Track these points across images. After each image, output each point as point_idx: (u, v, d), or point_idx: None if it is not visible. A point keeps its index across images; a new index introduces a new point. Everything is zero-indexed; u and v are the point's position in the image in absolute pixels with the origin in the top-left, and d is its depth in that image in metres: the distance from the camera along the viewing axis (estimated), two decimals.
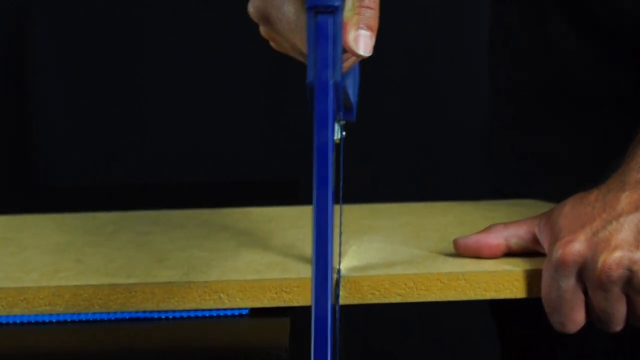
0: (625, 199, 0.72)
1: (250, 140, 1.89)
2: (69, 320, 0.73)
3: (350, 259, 0.78)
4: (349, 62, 0.73)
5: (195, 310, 0.74)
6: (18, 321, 0.73)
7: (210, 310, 0.74)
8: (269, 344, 0.71)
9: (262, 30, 0.74)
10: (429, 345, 1.93)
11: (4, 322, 0.73)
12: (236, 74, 1.87)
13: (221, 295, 0.74)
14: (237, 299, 0.74)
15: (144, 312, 0.74)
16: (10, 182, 1.90)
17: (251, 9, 0.73)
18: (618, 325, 0.72)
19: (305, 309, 0.74)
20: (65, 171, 1.89)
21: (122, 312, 0.74)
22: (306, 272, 0.75)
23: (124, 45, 1.87)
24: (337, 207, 0.81)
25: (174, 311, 0.74)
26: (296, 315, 0.75)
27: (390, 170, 1.84)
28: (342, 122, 0.74)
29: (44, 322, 0.73)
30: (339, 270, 0.75)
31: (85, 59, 1.87)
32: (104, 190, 1.20)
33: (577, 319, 0.72)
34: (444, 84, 1.87)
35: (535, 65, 0.98)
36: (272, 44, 0.75)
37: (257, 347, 0.70)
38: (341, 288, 0.74)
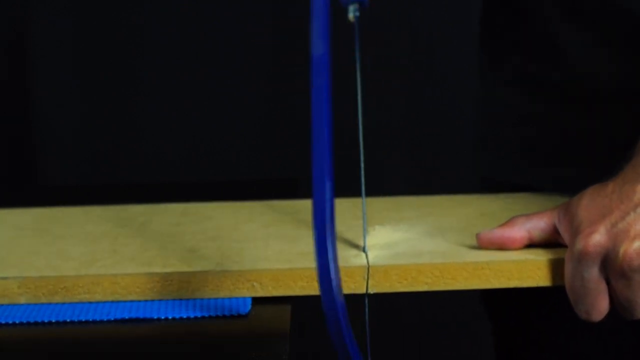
0: None
1: (249, 139, 1.90)
2: (68, 320, 0.74)
3: (377, 250, 0.80)
4: None
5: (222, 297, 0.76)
6: (17, 321, 0.74)
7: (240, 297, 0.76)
8: (270, 331, 0.72)
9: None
10: (424, 338, 1.95)
11: (3, 322, 0.74)
12: (236, 73, 1.88)
13: (254, 283, 0.76)
14: (270, 288, 0.76)
15: (180, 299, 0.77)
16: (10, 182, 1.91)
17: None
18: None
19: (307, 302, 0.76)
20: (65, 171, 1.90)
21: (126, 313, 0.75)
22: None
23: (124, 46, 1.88)
24: (358, 200, 0.84)
25: (173, 310, 0.75)
26: (297, 302, 0.77)
27: (383, 163, 1.85)
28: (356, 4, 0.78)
29: (43, 322, 0.74)
30: (367, 260, 0.78)
31: (86, 58, 1.88)
32: (103, 190, 1.22)
33: (601, 307, 0.74)
34: (436, 74, 1.89)
35: (529, 57, 0.99)
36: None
37: (259, 334, 0.72)
38: (370, 277, 0.76)
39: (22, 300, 0.76)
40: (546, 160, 0.99)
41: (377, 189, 0.91)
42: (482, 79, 1.07)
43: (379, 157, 1.82)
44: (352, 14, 0.77)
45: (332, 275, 0.66)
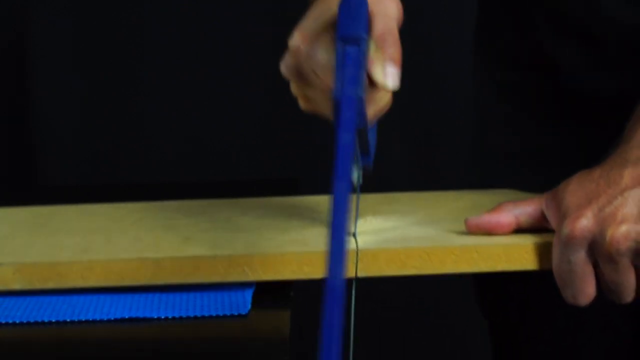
0: (628, 175, 0.75)
1: (249, 139, 1.91)
2: (68, 320, 0.74)
3: (367, 236, 0.81)
4: (378, 108, 0.77)
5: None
6: (17, 321, 0.75)
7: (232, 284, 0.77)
8: (270, 331, 0.73)
9: (294, 87, 0.78)
10: (418, 333, 1.96)
11: (3, 322, 0.75)
12: (236, 73, 1.89)
13: (245, 268, 0.77)
14: (260, 272, 0.77)
15: (173, 284, 0.77)
16: (10, 182, 1.92)
17: (283, 67, 0.77)
18: (629, 295, 0.75)
19: (307, 302, 0.77)
20: (65, 171, 1.90)
21: (126, 313, 0.75)
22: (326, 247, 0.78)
23: (124, 45, 1.88)
24: (353, 196, 0.84)
25: (173, 310, 0.76)
26: (297, 308, 0.78)
27: (381, 162, 1.85)
28: (360, 168, 0.80)
29: (43, 322, 0.74)
30: (356, 244, 0.79)
31: (86, 58, 1.88)
32: (103, 190, 1.23)
33: (588, 291, 0.75)
34: (435, 75, 1.89)
35: (522, 66, 1.01)
36: (301, 102, 0.79)
37: (259, 334, 0.72)
38: (359, 261, 0.77)
39: (17, 286, 0.77)
40: (539, 168, 1.01)
41: (373, 188, 0.92)
42: (476, 87, 1.08)
43: (376, 157, 1.82)
44: (355, 178, 0.79)
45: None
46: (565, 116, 0.98)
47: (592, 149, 0.95)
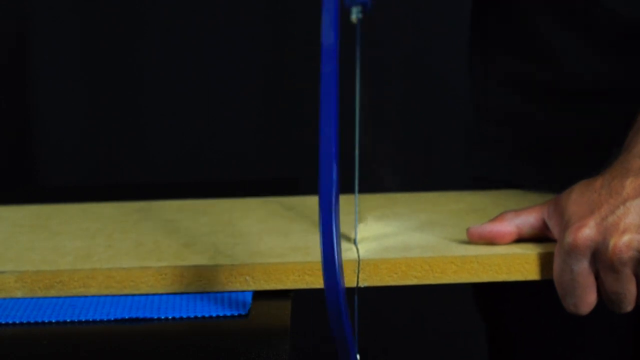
0: (629, 185, 0.75)
1: (250, 139, 1.91)
2: (68, 320, 0.75)
3: (368, 243, 0.81)
4: None
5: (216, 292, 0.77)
6: (17, 321, 0.75)
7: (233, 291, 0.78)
8: (271, 328, 0.73)
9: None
10: (419, 335, 1.96)
11: (3, 322, 0.75)
12: (237, 75, 1.88)
13: (247, 277, 0.77)
14: (262, 281, 0.77)
15: (173, 294, 0.78)
16: (10, 183, 1.92)
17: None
18: (629, 305, 0.75)
19: (307, 303, 0.77)
20: (64, 172, 1.90)
21: (126, 313, 0.75)
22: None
23: (124, 46, 1.88)
24: (352, 196, 0.85)
25: (173, 310, 0.76)
26: (297, 298, 0.78)
27: (373, 162, 1.86)
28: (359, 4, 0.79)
29: (43, 323, 0.74)
30: (358, 253, 0.79)
31: (86, 58, 1.88)
32: (103, 190, 1.23)
33: (589, 300, 0.75)
34: (431, 74, 1.89)
35: (519, 57, 1.01)
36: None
37: (259, 331, 0.73)
38: (361, 271, 0.77)
39: (19, 294, 0.78)
40: (537, 160, 1.00)
41: (372, 187, 0.92)
42: (472, 79, 1.08)
43: (374, 156, 1.83)
44: (355, 16, 0.78)
45: (336, 256, 0.67)
46: (564, 107, 0.98)
47: (591, 141, 0.95)
